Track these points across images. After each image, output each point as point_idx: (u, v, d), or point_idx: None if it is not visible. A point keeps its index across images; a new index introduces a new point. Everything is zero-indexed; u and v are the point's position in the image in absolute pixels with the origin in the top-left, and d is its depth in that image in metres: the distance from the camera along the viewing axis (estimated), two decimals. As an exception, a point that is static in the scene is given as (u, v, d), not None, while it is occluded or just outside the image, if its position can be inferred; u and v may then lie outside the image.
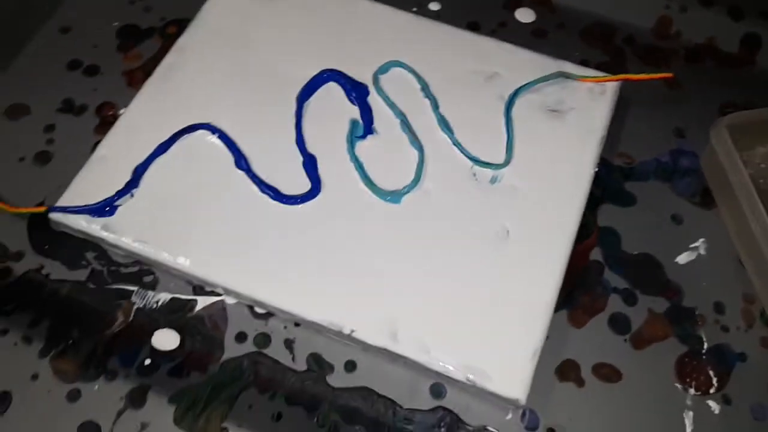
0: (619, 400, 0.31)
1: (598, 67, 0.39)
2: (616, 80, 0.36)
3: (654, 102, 0.39)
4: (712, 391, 0.31)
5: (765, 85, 0.39)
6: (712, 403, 0.31)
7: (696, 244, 0.35)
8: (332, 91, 0.37)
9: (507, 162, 0.34)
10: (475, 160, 0.34)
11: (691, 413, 0.31)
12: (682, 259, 0.34)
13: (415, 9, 0.42)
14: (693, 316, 0.33)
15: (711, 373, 0.32)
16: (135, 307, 0.32)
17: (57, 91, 0.38)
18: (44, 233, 0.34)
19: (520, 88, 0.36)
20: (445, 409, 0.31)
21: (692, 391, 0.31)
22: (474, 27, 0.41)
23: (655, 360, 0.32)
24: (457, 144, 0.34)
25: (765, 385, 0.31)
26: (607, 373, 0.31)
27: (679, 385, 0.31)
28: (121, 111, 0.37)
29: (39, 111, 0.38)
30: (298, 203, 0.33)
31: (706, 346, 0.32)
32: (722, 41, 0.41)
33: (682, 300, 0.33)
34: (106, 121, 0.37)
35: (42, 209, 0.33)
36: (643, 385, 0.31)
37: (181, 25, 0.40)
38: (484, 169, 0.34)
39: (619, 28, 0.42)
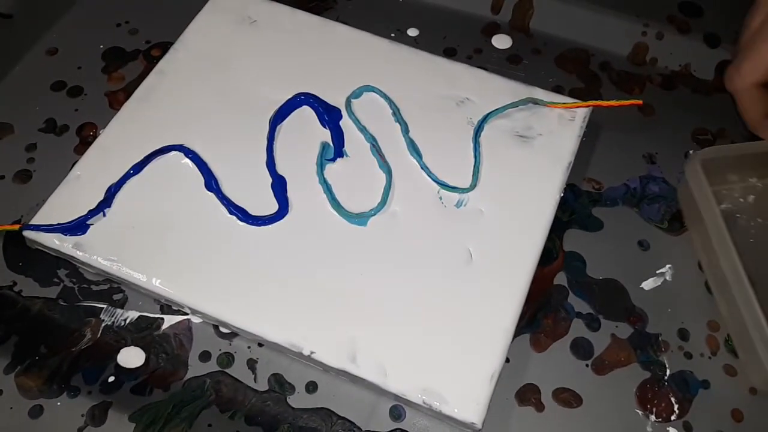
0: (579, 425, 0.31)
1: (572, 93, 0.40)
2: (586, 106, 0.36)
3: (626, 128, 0.39)
4: (673, 417, 0.31)
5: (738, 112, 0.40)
6: (672, 430, 0.31)
7: (662, 270, 0.35)
8: (306, 114, 0.37)
9: (473, 186, 0.34)
10: (442, 184, 0.34)
11: (651, 440, 0.31)
12: (648, 284, 0.34)
13: (393, 35, 0.42)
14: (657, 342, 0.33)
15: (673, 399, 0.32)
16: (103, 324, 0.33)
17: (40, 111, 0.39)
18: (19, 250, 0.35)
19: (489, 113, 0.36)
20: (403, 431, 0.31)
21: (653, 417, 0.31)
22: (451, 53, 0.42)
23: (616, 386, 0.32)
24: (424, 168, 0.35)
25: (727, 412, 0.31)
26: (568, 397, 0.32)
27: (640, 412, 0.31)
28: (101, 131, 0.38)
29: (22, 130, 0.39)
30: (266, 224, 0.33)
31: (668, 372, 0.32)
32: (698, 68, 0.42)
33: (646, 326, 0.33)
34: (85, 141, 0.38)
35: (16, 227, 0.33)
36: (603, 411, 0.31)
37: (165, 48, 0.41)
38: (450, 194, 0.34)
39: (595, 54, 0.42)
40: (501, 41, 0.43)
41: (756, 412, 0.31)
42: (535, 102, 0.36)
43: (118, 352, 0.32)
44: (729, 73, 0.36)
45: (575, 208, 0.36)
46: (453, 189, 0.34)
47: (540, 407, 0.31)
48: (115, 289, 0.34)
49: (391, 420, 0.31)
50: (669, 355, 0.33)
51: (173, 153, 0.35)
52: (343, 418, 0.31)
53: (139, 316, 0.33)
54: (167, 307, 0.33)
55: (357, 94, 0.38)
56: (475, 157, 0.35)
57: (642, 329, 0.33)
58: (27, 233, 0.33)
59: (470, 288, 0.32)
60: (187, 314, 0.33)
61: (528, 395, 0.32)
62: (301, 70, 0.38)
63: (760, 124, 0.35)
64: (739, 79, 0.35)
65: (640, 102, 0.37)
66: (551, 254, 0.35)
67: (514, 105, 0.36)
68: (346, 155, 0.36)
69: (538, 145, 0.36)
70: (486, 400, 0.29)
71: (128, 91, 0.40)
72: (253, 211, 0.34)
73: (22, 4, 0.44)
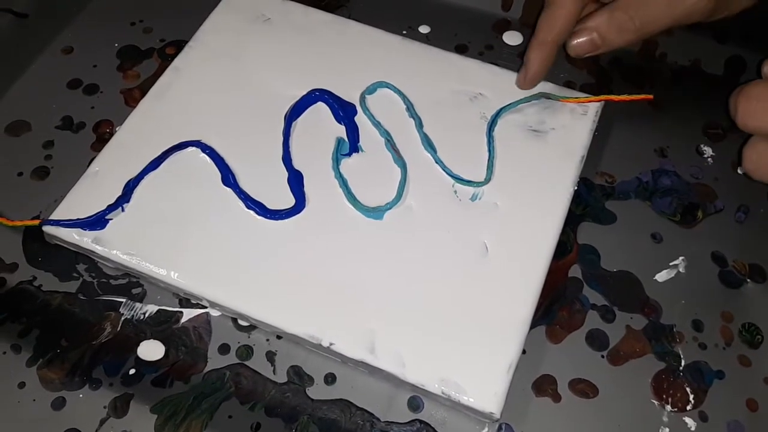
0: (595, 415, 0.31)
1: (583, 88, 0.40)
2: (598, 101, 0.37)
3: (637, 122, 0.39)
4: (688, 408, 0.31)
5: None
6: (688, 420, 0.31)
7: (676, 262, 0.35)
8: (321, 110, 0.38)
9: (487, 180, 0.35)
10: (456, 178, 0.35)
11: (667, 430, 0.31)
12: (662, 276, 0.35)
13: (405, 32, 0.43)
14: (671, 333, 0.33)
15: (688, 390, 0.32)
16: (123, 318, 0.33)
17: (57, 108, 0.40)
18: (38, 246, 0.35)
19: (503, 108, 0.36)
20: (422, 422, 0.31)
21: (669, 407, 0.31)
22: (462, 49, 0.42)
23: (632, 376, 0.32)
24: (439, 162, 0.35)
25: (742, 402, 0.32)
26: (584, 388, 0.32)
27: (655, 402, 0.32)
28: (117, 128, 0.38)
29: (39, 128, 0.39)
30: (283, 218, 0.34)
31: (683, 363, 0.32)
32: (707, 63, 0.42)
33: (660, 317, 0.34)
34: (102, 138, 0.39)
35: (36, 222, 0.34)
36: (619, 402, 0.32)
37: (179, 46, 0.41)
38: (465, 188, 0.35)
39: (605, 50, 0.42)
40: (512, 38, 0.43)
41: (771, 401, 0.32)
42: (548, 97, 0.37)
43: (138, 345, 0.32)
44: None
45: (588, 202, 0.37)
46: (468, 183, 0.35)
47: (557, 398, 0.32)
48: (134, 284, 0.34)
49: (410, 411, 0.31)
50: (683, 345, 0.33)
51: (190, 149, 0.36)
52: (362, 409, 0.31)
53: (158, 310, 0.33)
54: (186, 300, 0.34)
55: (371, 90, 0.38)
56: (489, 151, 0.35)
57: (656, 320, 0.33)
58: (46, 228, 0.34)
59: (487, 280, 0.32)
60: (205, 308, 0.33)
61: (545, 386, 0.32)
62: (316, 66, 0.39)
63: (547, 44, 0.35)
64: None
65: (651, 96, 0.37)
66: (565, 247, 0.35)
67: (527, 100, 0.37)
68: (362, 150, 0.36)
69: (552, 140, 0.36)
70: (504, 391, 0.30)
71: (143, 89, 0.40)
72: (270, 205, 0.34)
73: (38, 3, 0.44)
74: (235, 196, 0.34)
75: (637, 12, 0.33)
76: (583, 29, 0.34)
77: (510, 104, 0.37)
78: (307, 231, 0.34)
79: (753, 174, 0.32)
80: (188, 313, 0.33)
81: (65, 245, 0.34)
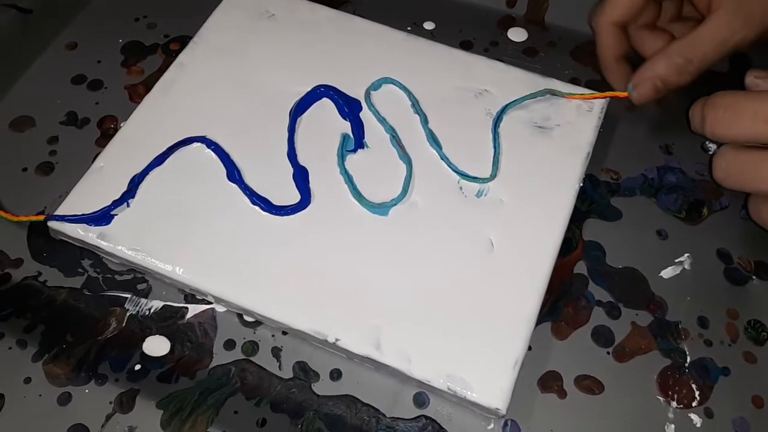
0: (601, 412, 0.31)
1: (588, 85, 0.40)
2: (603, 97, 0.37)
3: (642, 119, 0.39)
4: (694, 404, 0.31)
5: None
6: (694, 417, 0.31)
7: (681, 259, 0.35)
8: (326, 106, 0.37)
9: (493, 176, 0.35)
10: (462, 174, 0.35)
11: (672, 426, 0.31)
12: (667, 273, 0.35)
13: (409, 28, 0.43)
14: (677, 330, 0.33)
15: (693, 386, 0.32)
16: (128, 313, 0.33)
17: (61, 104, 0.40)
18: (43, 241, 0.35)
19: (508, 104, 0.36)
20: (427, 418, 0.31)
21: (674, 404, 0.31)
22: (467, 46, 0.42)
23: (637, 373, 0.32)
24: (444, 158, 0.35)
25: (748, 398, 0.32)
26: (589, 384, 0.32)
27: (661, 398, 0.32)
28: (122, 124, 0.38)
29: (43, 123, 0.39)
30: (289, 214, 0.34)
31: (689, 359, 0.32)
32: (712, 61, 0.42)
33: (665, 314, 0.34)
34: (106, 133, 0.39)
35: (41, 218, 0.34)
36: (625, 398, 0.32)
37: (183, 41, 0.41)
38: (471, 184, 0.35)
39: (610, 47, 0.42)
40: (517, 34, 0.43)
41: (776, 398, 0.32)
42: (553, 93, 0.37)
43: (144, 340, 0.32)
44: (593, 10, 0.38)
45: (594, 198, 0.37)
46: (473, 179, 0.35)
47: (562, 394, 0.32)
48: (139, 279, 0.34)
49: (415, 407, 0.31)
50: (689, 342, 0.33)
51: (195, 144, 0.36)
52: (368, 405, 0.31)
53: (164, 306, 0.33)
54: (191, 296, 0.34)
55: (376, 86, 0.38)
56: (495, 147, 0.35)
57: (662, 317, 0.33)
58: (52, 224, 0.34)
59: (492, 276, 0.32)
60: (211, 303, 0.33)
61: (550, 382, 0.32)
62: (321, 62, 0.39)
63: (610, 64, 0.38)
64: (599, 17, 0.37)
65: (623, 94, 0.37)
66: (571, 243, 0.35)
67: (532, 96, 0.37)
68: (367, 146, 0.36)
69: (557, 136, 0.36)
70: (510, 387, 0.30)
71: (148, 85, 0.40)
72: (275, 201, 0.34)
73: (42, -2, 0.44)
74: (241, 191, 0.34)
75: (694, 54, 0.35)
76: (645, 79, 0.35)
77: (516, 100, 0.36)
78: (312, 227, 0.33)
79: (723, 182, 0.32)
80: (194, 309, 0.33)
81: (70, 241, 0.34)
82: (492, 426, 0.31)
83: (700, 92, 0.40)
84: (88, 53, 0.42)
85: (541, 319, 0.33)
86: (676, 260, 0.35)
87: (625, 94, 0.37)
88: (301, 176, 0.35)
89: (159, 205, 0.34)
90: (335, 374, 0.32)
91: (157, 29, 0.43)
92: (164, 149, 0.35)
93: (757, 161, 0.30)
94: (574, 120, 0.36)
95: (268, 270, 0.32)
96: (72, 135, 0.39)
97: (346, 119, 0.37)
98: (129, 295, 0.34)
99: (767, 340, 0.33)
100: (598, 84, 0.41)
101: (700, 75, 0.35)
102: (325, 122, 0.37)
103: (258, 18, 0.40)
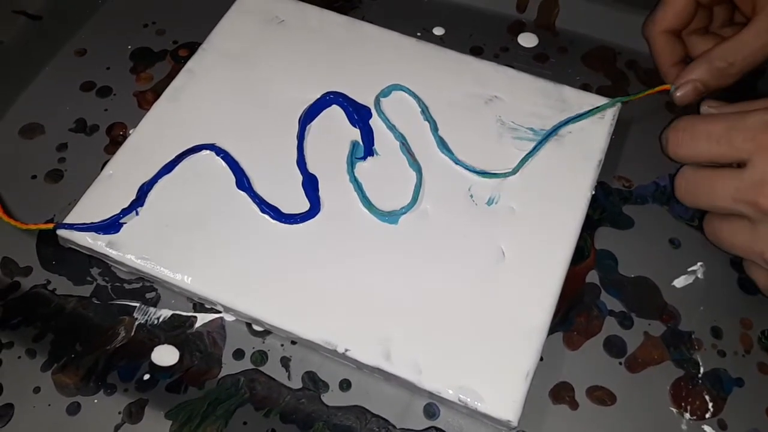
0: (613, 423, 0.31)
1: (599, 91, 0.40)
2: (655, 93, 0.37)
3: (654, 125, 0.39)
4: (707, 416, 0.31)
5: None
6: (707, 428, 0.31)
7: (694, 268, 0.35)
8: (335, 113, 0.37)
9: (515, 171, 0.34)
10: (480, 173, 0.34)
11: (686, 438, 0.31)
12: (680, 282, 0.34)
13: (419, 34, 0.42)
14: (690, 340, 0.33)
15: (707, 397, 0.31)
16: (137, 322, 0.33)
17: (70, 111, 0.40)
18: (52, 249, 0.35)
19: (576, 117, 0.36)
20: (438, 429, 0.31)
21: (688, 415, 0.31)
22: (477, 51, 0.42)
23: (650, 384, 0.32)
24: (458, 162, 0.35)
25: (762, 410, 0.31)
26: (602, 396, 0.31)
27: (674, 410, 0.31)
28: (131, 131, 0.38)
29: (52, 130, 0.39)
30: (298, 222, 0.34)
31: (702, 370, 0.32)
32: (725, 66, 0.41)
33: (678, 324, 0.33)
34: (115, 140, 0.39)
35: (50, 226, 0.34)
36: (637, 409, 0.31)
37: (192, 48, 0.41)
38: (481, 192, 0.34)
39: (621, 52, 0.42)
40: (527, 39, 0.43)
41: (791, 410, 0.31)
42: (623, 101, 0.36)
43: (153, 350, 0.32)
44: (645, 21, 0.39)
45: (606, 206, 0.36)
46: (492, 175, 0.34)
47: (574, 405, 0.31)
48: (147, 288, 0.34)
49: (426, 418, 0.31)
50: (702, 353, 0.33)
51: (205, 152, 0.36)
52: (378, 416, 0.31)
53: (173, 315, 0.33)
54: (200, 305, 0.33)
55: (386, 92, 0.38)
56: (534, 149, 0.35)
57: (675, 327, 0.33)
58: (60, 232, 0.33)
59: (503, 286, 0.32)
60: (219, 312, 0.33)
61: (562, 393, 0.32)
62: (330, 69, 0.39)
63: (668, 69, 0.39)
64: (651, 26, 0.38)
65: (669, 87, 0.37)
66: (583, 252, 0.35)
67: (604, 107, 0.36)
68: (376, 154, 0.36)
69: (569, 143, 0.36)
70: (522, 398, 0.29)
71: (156, 91, 0.40)
72: (285, 209, 0.34)
73: (51, 5, 0.44)
74: (250, 199, 0.34)
75: (735, 57, 0.35)
76: (687, 81, 0.36)
77: (586, 112, 0.36)
78: (321, 235, 0.33)
79: (682, 200, 0.33)
80: (202, 318, 0.33)
81: (79, 249, 0.34)
82: (503, 437, 0.31)
83: (712, 97, 0.40)
84: (97, 60, 0.42)
85: (552, 329, 0.32)
86: (689, 269, 0.35)
87: (640, 94, 0.37)
88: (310, 184, 0.35)
89: (168, 214, 0.34)
90: (345, 384, 0.32)
91: (166, 35, 0.43)
92: (173, 157, 0.35)
93: (711, 179, 0.31)
94: (586, 127, 0.36)
95: (277, 279, 0.32)
96: (81, 142, 0.39)
97: (355, 126, 0.37)
98: (138, 304, 0.34)
99: (782, 350, 0.33)
100: (609, 90, 0.40)
101: (742, 77, 0.36)
102: (334, 129, 0.37)
103: (267, 24, 0.40)
